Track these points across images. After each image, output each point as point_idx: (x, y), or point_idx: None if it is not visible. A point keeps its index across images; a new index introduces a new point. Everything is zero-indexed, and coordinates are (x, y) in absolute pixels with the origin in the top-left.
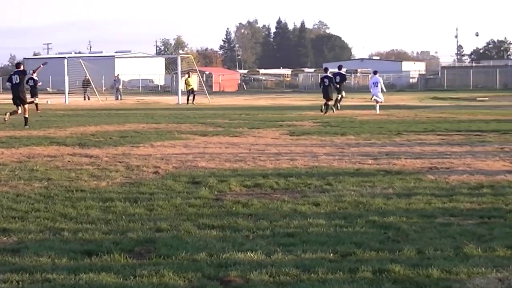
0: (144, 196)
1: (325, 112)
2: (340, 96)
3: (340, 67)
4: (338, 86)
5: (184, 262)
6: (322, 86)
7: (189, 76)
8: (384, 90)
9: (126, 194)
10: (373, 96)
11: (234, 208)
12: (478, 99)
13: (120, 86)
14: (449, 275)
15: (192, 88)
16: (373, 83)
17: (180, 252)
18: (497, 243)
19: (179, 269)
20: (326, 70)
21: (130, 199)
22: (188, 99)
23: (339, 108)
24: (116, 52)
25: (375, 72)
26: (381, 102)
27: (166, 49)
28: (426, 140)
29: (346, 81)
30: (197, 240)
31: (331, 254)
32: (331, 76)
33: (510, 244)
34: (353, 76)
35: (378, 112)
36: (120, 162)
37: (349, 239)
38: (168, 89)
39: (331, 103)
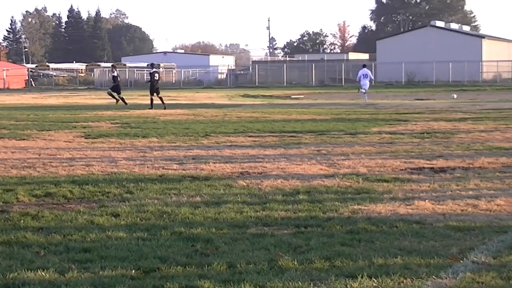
0: None
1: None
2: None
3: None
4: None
5: None
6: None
7: None
8: (373, 80)
9: None
10: (362, 87)
11: (22, 221)
12: (292, 96)
13: None
14: None
15: None
16: (363, 75)
17: None
18: (314, 254)
19: None
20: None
21: None
22: None
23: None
24: None
25: (364, 66)
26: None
27: None
28: (237, 142)
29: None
30: None
31: (133, 271)
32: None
33: (328, 255)
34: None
35: (367, 101)
36: None
37: (153, 253)
38: None
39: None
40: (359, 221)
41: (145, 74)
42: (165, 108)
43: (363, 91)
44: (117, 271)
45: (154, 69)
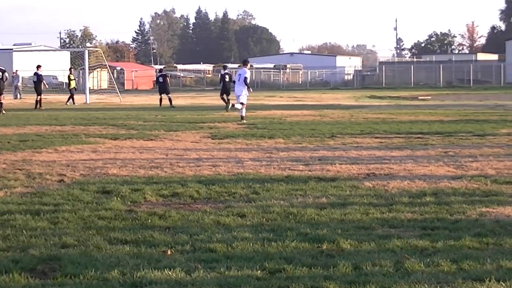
0: (48, 208)
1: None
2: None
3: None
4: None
5: (94, 282)
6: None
7: (70, 73)
8: None
9: (27, 206)
10: None
11: (149, 221)
12: (419, 97)
13: (19, 84)
14: None
15: (74, 87)
16: None
17: (88, 270)
18: (441, 257)
19: None
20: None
21: (31, 211)
22: (71, 99)
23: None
24: (14, 45)
25: None
26: None
27: (71, 42)
28: (363, 144)
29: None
30: (108, 256)
31: (259, 271)
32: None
33: (455, 258)
34: (281, 72)
35: None
36: (19, 169)
37: (278, 254)
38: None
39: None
40: (487, 223)
41: (271, 75)
42: (227, 110)
43: None
44: (243, 271)
45: (226, 71)
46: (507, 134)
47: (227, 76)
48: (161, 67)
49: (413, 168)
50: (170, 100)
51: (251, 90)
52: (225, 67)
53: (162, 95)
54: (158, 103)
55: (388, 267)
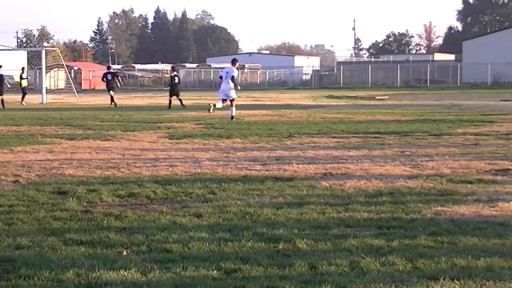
0: (2, 209)
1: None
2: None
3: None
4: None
5: (48, 283)
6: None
7: (22, 72)
8: None
9: None
10: None
11: (105, 221)
12: (377, 97)
13: None
14: None
15: (26, 87)
16: None
17: (43, 271)
18: (397, 256)
19: None
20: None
21: None
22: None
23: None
24: None
25: None
26: None
27: (29, 41)
28: (320, 143)
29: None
30: (63, 257)
31: (215, 271)
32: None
33: (410, 256)
34: (240, 72)
35: None
36: None
37: (234, 254)
38: (31, 87)
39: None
40: (442, 222)
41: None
42: (184, 108)
43: None
44: (199, 272)
45: (175, 72)
46: (463, 133)
47: (176, 78)
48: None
49: (370, 167)
50: (111, 98)
51: (239, 88)
52: (173, 69)
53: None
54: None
55: (344, 267)
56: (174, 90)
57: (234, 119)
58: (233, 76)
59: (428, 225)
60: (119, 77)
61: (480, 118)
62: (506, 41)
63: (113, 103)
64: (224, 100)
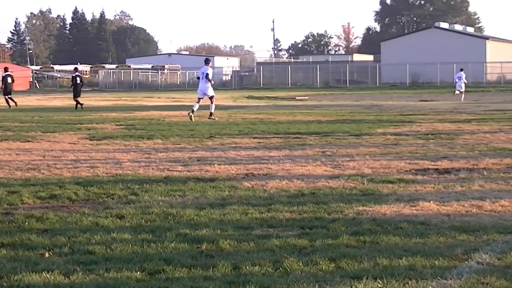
0: None
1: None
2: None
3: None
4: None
5: None
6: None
7: None
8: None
9: None
10: (457, 88)
11: (26, 223)
12: (297, 98)
13: None
14: None
15: None
16: (458, 77)
17: None
18: (320, 256)
19: None
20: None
21: None
22: None
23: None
24: None
25: (461, 69)
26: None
27: None
28: (242, 144)
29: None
30: None
31: (138, 273)
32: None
33: (333, 256)
34: (160, 72)
35: (462, 100)
36: None
37: (158, 255)
38: None
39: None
40: (364, 222)
41: (149, 76)
42: (82, 109)
43: (461, 89)
44: (122, 273)
45: (77, 73)
46: (383, 133)
47: (77, 78)
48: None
49: (292, 168)
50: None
51: (212, 82)
52: (75, 69)
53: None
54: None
55: (267, 267)
56: (77, 91)
57: (213, 117)
58: (207, 74)
59: (350, 225)
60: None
61: (399, 118)
62: (423, 42)
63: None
64: (199, 99)
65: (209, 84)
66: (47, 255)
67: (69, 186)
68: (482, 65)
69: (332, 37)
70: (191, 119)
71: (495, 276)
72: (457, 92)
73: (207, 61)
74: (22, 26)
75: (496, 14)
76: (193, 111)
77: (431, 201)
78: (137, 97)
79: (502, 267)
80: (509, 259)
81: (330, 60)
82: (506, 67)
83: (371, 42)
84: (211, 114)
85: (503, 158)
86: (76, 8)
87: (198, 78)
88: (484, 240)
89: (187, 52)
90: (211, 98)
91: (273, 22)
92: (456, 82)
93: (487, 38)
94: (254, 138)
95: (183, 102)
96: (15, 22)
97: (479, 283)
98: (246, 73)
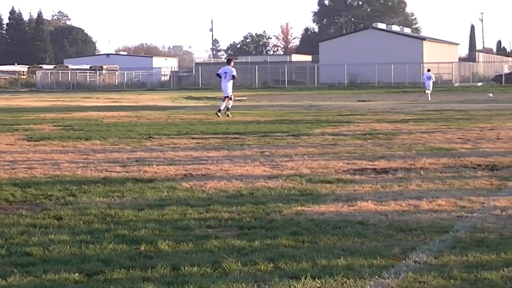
0: None
1: None
2: None
3: None
4: None
5: None
6: None
7: None
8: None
9: None
10: (426, 88)
11: None
12: (235, 98)
13: None
14: None
15: None
16: (427, 77)
17: None
18: (258, 256)
19: None
20: None
21: None
22: None
23: None
24: None
25: (428, 70)
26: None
27: None
28: (180, 144)
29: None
30: None
31: (76, 274)
32: None
33: (271, 256)
34: (98, 73)
35: (429, 99)
36: None
37: (96, 256)
38: None
39: None
40: (303, 222)
41: (88, 76)
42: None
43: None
44: (60, 275)
45: None
46: (321, 134)
47: None
48: None
49: (230, 168)
50: None
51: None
52: None
53: None
54: None
55: (206, 267)
56: None
57: (218, 115)
58: (233, 76)
59: (289, 225)
60: None
61: (337, 119)
62: (361, 42)
63: None
64: (225, 97)
65: (229, 84)
66: None
67: (6, 188)
68: (419, 66)
69: (270, 38)
70: (228, 116)
71: (432, 274)
72: (427, 91)
73: (229, 61)
74: None
75: (433, 15)
76: (219, 110)
77: (369, 201)
78: (75, 98)
79: (439, 266)
80: (446, 258)
81: (268, 60)
82: (443, 67)
83: (309, 42)
84: (219, 111)
85: (440, 158)
86: (13, 8)
87: (218, 75)
88: (421, 239)
89: (126, 53)
90: (226, 97)
91: (211, 22)
92: (424, 82)
93: (424, 38)
94: (192, 138)
95: (122, 102)
96: None
97: (416, 282)
98: (185, 74)
